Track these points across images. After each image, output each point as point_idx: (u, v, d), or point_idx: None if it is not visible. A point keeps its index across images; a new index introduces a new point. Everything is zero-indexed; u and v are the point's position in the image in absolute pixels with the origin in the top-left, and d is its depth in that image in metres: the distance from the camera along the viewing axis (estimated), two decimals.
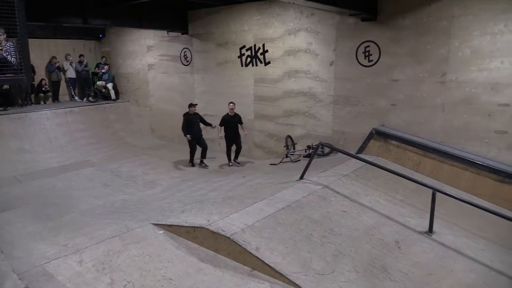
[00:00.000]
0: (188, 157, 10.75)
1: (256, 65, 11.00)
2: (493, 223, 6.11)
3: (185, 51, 12.70)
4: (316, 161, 9.08)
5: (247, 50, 11.09)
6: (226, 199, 6.81)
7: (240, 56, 11.27)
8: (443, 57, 7.97)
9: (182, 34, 12.54)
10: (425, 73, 8.24)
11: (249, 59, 11.11)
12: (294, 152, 9.87)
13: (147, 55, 14.04)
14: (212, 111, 12.35)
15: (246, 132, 10.32)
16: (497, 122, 7.54)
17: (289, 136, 9.97)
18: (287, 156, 9.84)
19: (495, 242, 5.92)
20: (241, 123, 10.34)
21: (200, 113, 12.66)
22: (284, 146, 9.90)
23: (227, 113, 10.26)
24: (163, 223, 5.80)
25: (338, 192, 6.72)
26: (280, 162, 9.75)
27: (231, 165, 10.43)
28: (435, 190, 5.89)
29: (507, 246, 5.86)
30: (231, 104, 10.19)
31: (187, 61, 12.74)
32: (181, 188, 8.68)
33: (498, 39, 7.35)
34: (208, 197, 7.27)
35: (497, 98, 7.49)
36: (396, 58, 8.55)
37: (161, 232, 5.65)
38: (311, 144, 9.67)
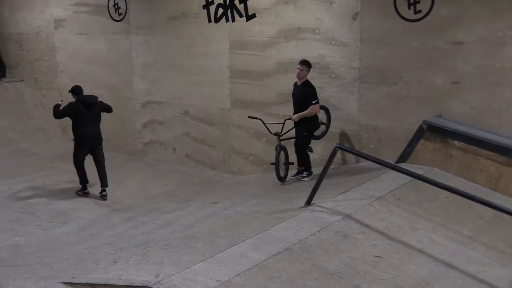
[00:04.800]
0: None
1: (233, 19, 10.98)
2: None
3: None
4: (332, 175, 9.06)
5: None
6: (185, 239, 6.76)
7: (207, 6, 11.24)
8: None
9: None
10: (507, 30, 8.31)
11: (221, 10, 11.09)
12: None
13: (51, 4, 13.91)
14: (161, 95, 12.29)
15: (294, 118, 9.35)
16: None
17: (281, 148, 9.46)
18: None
19: None
20: (310, 101, 9.29)
21: (143, 99, 12.64)
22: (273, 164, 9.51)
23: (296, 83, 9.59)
24: (82, 281, 5.72)
25: (368, 226, 6.71)
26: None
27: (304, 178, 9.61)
28: None
29: None
30: (298, 66, 9.34)
31: (120, 15, 12.66)
32: (113, 224, 8.63)
33: None
34: (156, 237, 7.22)
35: None
36: (460, 7, 8.61)
37: None
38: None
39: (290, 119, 9.36)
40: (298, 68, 9.31)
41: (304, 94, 9.21)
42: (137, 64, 12.62)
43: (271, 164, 9.67)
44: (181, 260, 5.83)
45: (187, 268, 5.53)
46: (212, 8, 11.19)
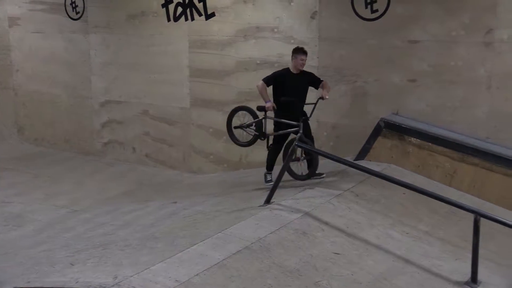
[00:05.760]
0: None
1: (192, 18, 10.96)
2: None
3: None
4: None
5: None
6: (145, 240, 6.73)
7: (166, 4, 11.21)
8: (488, 3, 8.20)
9: None
10: (460, 30, 8.46)
11: (180, 9, 11.06)
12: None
13: (5, 2, 13.74)
14: (120, 95, 12.21)
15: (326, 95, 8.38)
16: None
17: (298, 145, 7.88)
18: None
19: None
20: (316, 85, 8.69)
21: (102, 99, 12.55)
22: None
23: (286, 68, 8.71)
24: (38, 285, 5.64)
25: (327, 223, 6.74)
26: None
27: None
28: (478, 215, 6.01)
29: None
30: (302, 57, 8.48)
31: (78, 13, 12.54)
32: (71, 225, 8.51)
33: None
34: (115, 238, 7.17)
35: None
36: (415, 6, 8.73)
37: None
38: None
39: (322, 98, 8.40)
40: (302, 59, 8.45)
41: (312, 79, 8.64)
42: (95, 63, 12.50)
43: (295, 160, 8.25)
44: (140, 260, 5.80)
45: (146, 269, 5.50)
46: (171, 7, 11.15)
